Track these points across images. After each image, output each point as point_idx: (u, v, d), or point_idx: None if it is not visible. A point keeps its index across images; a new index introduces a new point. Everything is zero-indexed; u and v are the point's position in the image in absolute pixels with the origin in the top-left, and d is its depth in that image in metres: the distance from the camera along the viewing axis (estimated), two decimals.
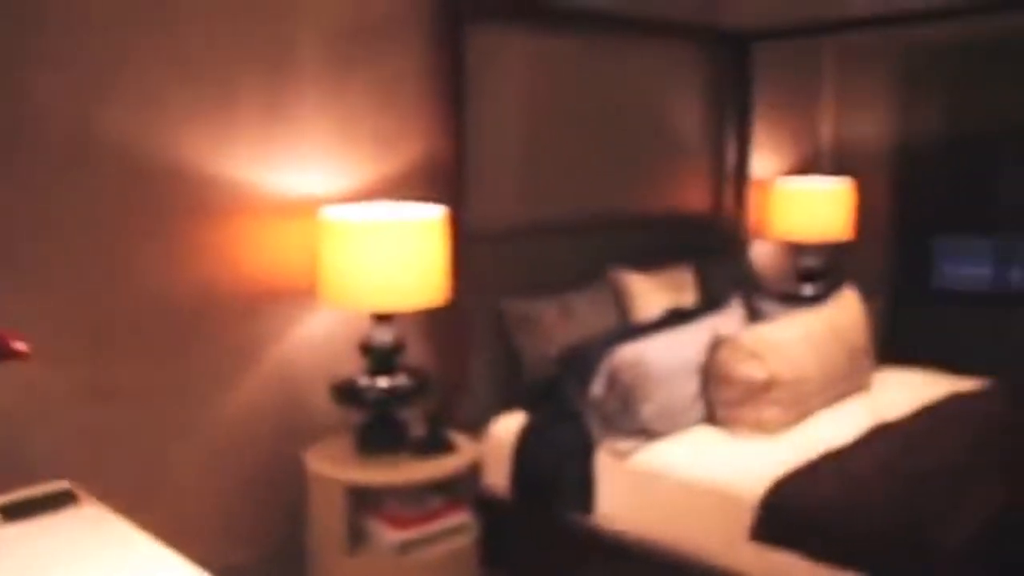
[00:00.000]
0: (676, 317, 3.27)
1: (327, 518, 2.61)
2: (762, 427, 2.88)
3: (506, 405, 3.13)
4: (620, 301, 3.43)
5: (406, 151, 3.01)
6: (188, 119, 2.51)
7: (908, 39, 4.33)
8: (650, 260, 3.61)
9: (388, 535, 2.57)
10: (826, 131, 4.74)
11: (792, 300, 4.00)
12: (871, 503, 2.33)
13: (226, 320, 2.64)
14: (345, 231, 2.54)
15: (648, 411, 2.83)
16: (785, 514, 2.40)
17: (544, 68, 3.45)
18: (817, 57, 4.69)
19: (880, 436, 2.78)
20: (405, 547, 2.55)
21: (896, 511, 2.27)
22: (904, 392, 3.27)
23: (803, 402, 2.96)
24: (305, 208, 2.75)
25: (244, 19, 2.60)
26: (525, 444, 2.98)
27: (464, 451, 2.77)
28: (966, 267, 4.49)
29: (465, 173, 3.05)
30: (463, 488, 2.76)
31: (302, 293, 2.76)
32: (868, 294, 4.20)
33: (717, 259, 3.91)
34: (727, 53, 4.14)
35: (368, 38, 2.88)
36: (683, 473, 2.67)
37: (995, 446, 2.17)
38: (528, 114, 3.41)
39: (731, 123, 4.21)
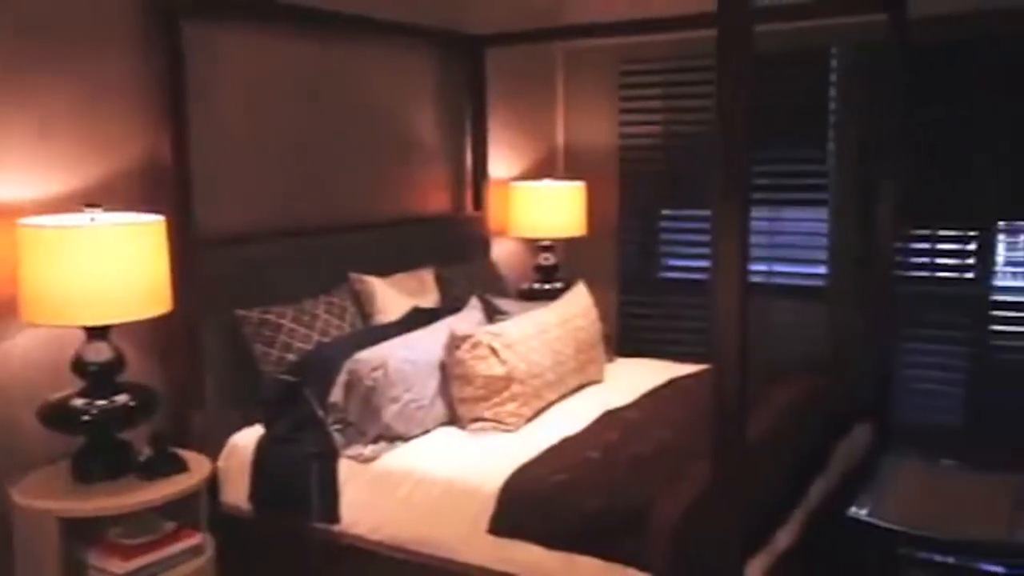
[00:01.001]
0: (416, 319, 3.29)
1: (39, 556, 2.38)
2: (502, 422, 2.96)
3: (244, 418, 3.01)
4: (361, 306, 3.40)
5: (121, 155, 2.80)
6: None
7: (627, 48, 4.62)
8: (391, 263, 3.61)
9: (112, 567, 2.39)
10: (560, 134, 4.96)
11: (531, 297, 4.17)
12: (595, 488, 2.45)
13: None
14: (46, 241, 2.32)
15: (390, 414, 2.83)
16: (518, 505, 2.48)
17: (276, 68, 3.35)
18: (550, 63, 4.90)
19: (607, 424, 2.94)
20: None
21: (617, 494, 2.41)
22: (632, 380, 3.48)
23: (539, 396, 3.07)
24: (1, 216, 2.49)
25: None
26: (264, 457, 2.88)
27: (196, 469, 2.63)
28: (687, 259, 4.85)
29: (189, 177, 2.89)
30: (198, 509, 2.62)
31: (1, 309, 2.50)
32: (601, 287, 4.45)
33: (458, 260, 3.98)
34: (463, 57, 4.22)
35: (70, 33, 2.66)
36: (426, 473, 2.69)
37: (706, 427, 2.36)
38: (260, 116, 3.30)
39: (469, 126, 4.30)
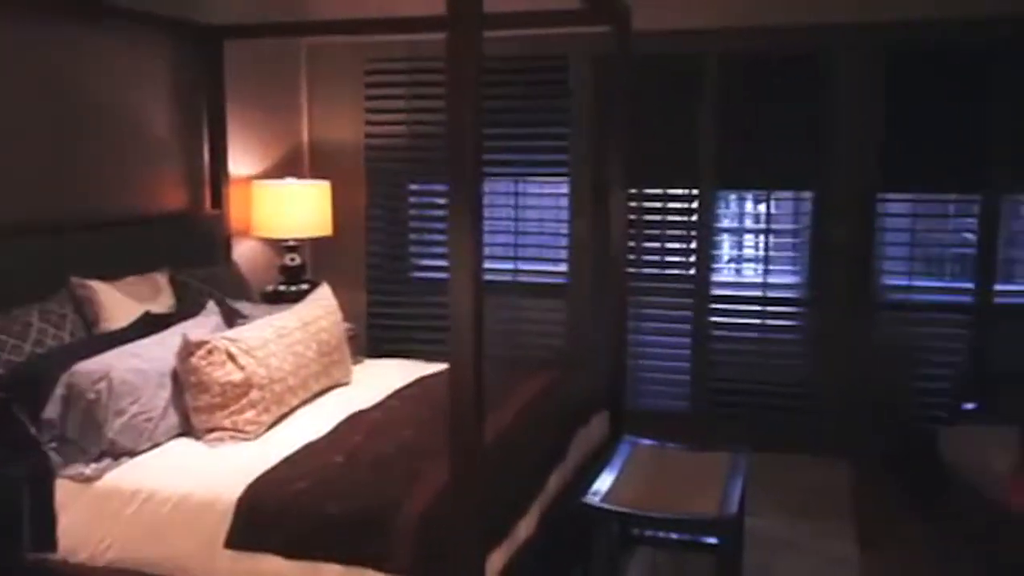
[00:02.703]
0: (147, 325, 3.09)
1: None
2: (241, 431, 2.84)
3: None
4: (84, 314, 3.13)
5: None
6: None
7: (372, 47, 4.60)
8: (120, 267, 3.36)
9: None
10: (305, 131, 4.85)
11: (276, 300, 4.04)
12: (337, 492, 2.41)
13: None
14: None
15: (115, 428, 2.64)
16: (258, 516, 2.39)
17: None
18: (295, 58, 4.77)
19: (352, 426, 2.91)
20: None
21: (359, 496, 2.38)
22: (380, 381, 3.46)
23: (281, 402, 2.98)
24: None
25: None
26: None
27: None
28: (436, 259, 4.90)
29: None
30: None
31: None
32: (350, 288, 4.41)
33: (197, 262, 3.77)
34: (199, 47, 4.01)
35: None
36: (157, 489, 2.53)
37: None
38: None
39: (206, 121, 4.09)
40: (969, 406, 3.77)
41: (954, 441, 3.55)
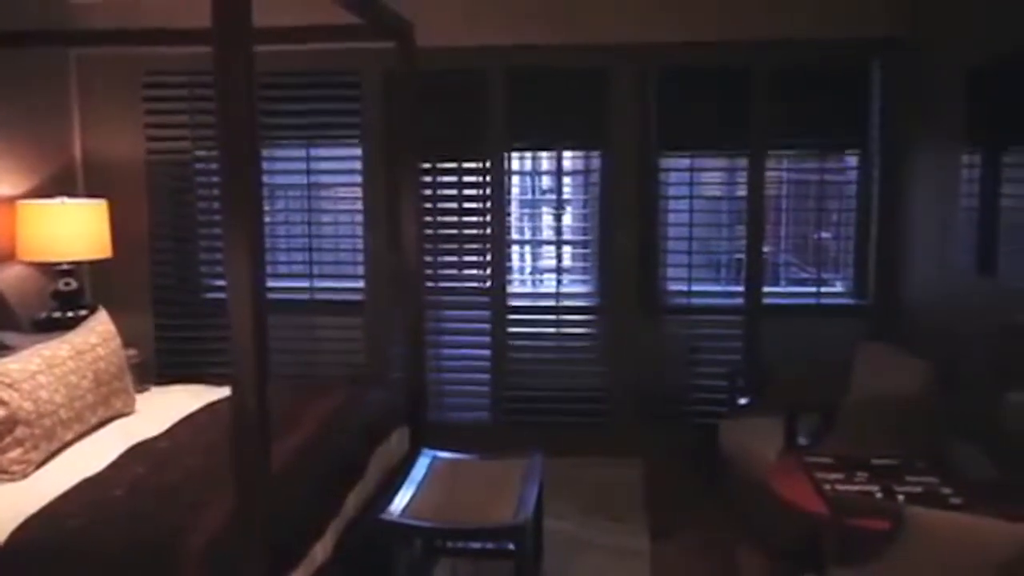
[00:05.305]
0: None
1: None
2: (6, 471, 2.64)
3: None
4: None
5: None
6: None
7: (151, 59, 4.39)
8: None
9: None
10: (77, 147, 4.56)
11: (49, 328, 3.76)
12: (118, 525, 2.28)
13: None
14: None
15: None
16: (26, 561, 2.22)
17: None
18: (63, 69, 4.47)
19: (134, 457, 2.75)
20: None
21: (140, 529, 2.26)
22: (167, 408, 3.30)
23: (53, 437, 2.78)
24: None
25: None
26: None
27: None
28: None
29: None
30: None
31: None
32: (135, 312, 4.17)
33: None
34: None
35: None
36: None
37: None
38: None
39: None
40: (743, 400, 4.06)
41: (731, 434, 3.82)
